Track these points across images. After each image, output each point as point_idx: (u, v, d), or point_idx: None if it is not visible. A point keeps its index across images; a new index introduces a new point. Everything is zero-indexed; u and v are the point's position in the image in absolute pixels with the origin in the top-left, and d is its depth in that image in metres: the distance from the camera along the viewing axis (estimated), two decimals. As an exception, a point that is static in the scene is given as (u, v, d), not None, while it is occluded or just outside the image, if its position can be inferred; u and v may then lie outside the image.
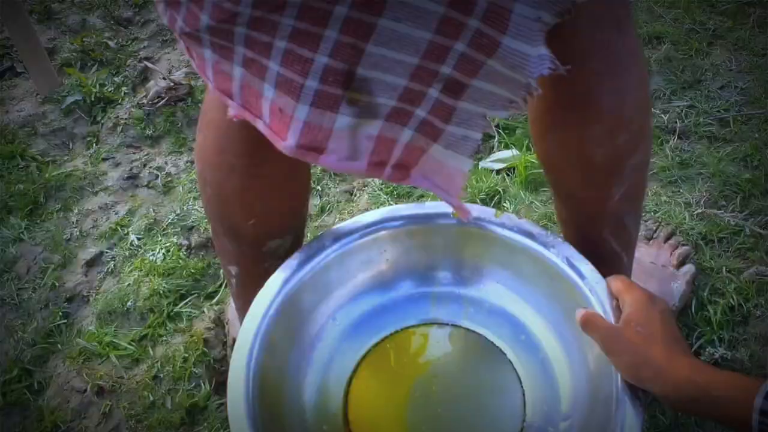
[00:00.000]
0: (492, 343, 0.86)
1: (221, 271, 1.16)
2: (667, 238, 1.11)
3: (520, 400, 0.81)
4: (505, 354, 0.85)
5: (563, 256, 0.78)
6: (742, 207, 1.18)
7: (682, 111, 1.37)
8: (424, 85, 0.54)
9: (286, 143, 0.56)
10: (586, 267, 0.77)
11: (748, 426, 0.54)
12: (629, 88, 0.70)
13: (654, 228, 1.14)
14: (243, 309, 0.81)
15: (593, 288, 0.75)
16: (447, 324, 0.88)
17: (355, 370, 0.85)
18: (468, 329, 0.88)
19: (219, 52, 0.56)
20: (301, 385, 0.82)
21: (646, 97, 0.74)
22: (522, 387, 0.82)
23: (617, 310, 0.71)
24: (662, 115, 1.37)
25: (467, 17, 0.50)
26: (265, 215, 0.79)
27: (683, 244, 1.10)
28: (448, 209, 0.75)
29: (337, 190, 1.30)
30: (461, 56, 0.52)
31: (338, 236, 0.83)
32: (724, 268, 1.09)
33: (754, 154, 1.26)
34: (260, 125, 0.58)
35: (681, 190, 1.23)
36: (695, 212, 1.18)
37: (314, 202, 1.28)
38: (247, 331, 0.75)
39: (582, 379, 0.77)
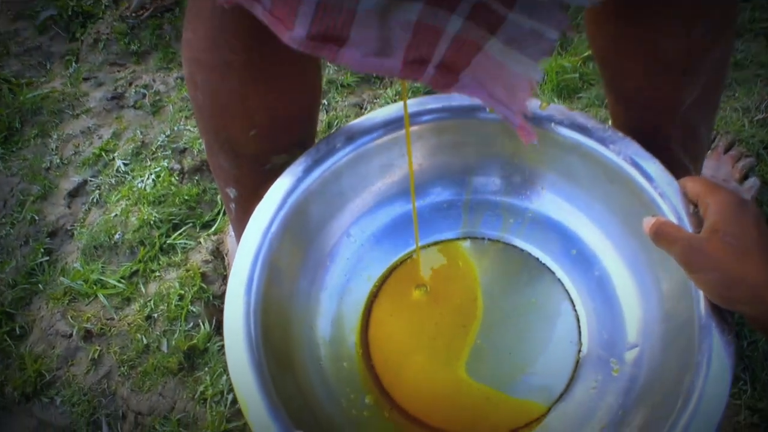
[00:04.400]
0: (537, 259, 0.76)
1: (218, 196, 1.10)
2: (728, 149, 1.00)
3: (574, 326, 0.72)
4: (553, 273, 0.75)
5: (625, 155, 0.67)
6: (808, 111, 1.09)
7: (733, 6, 1.23)
8: None
9: (293, 33, 0.44)
10: (655, 166, 0.65)
11: None
12: None
13: (712, 137, 1.01)
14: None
15: (663, 192, 0.63)
16: (483, 238, 0.79)
17: (375, 296, 0.76)
18: (508, 243, 0.78)
19: None
20: (314, 317, 0.73)
21: None
22: (575, 311, 0.73)
23: (696, 216, 0.60)
24: (711, 12, 1.23)
25: None
26: (269, 125, 0.70)
27: (746, 155, 0.98)
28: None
29: (345, 103, 1.22)
30: None
31: (351, 136, 0.72)
32: (791, 180, 0.98)
33: (818, 51, 1.15)
34: (258, 11, 0.46)
35: (737, 94, 1.12)
36: (755, 118, 1.08)
37: (320, 118, 1.19)
38: (245, 254, 0.64)
39: (652, 301, 0.67)
